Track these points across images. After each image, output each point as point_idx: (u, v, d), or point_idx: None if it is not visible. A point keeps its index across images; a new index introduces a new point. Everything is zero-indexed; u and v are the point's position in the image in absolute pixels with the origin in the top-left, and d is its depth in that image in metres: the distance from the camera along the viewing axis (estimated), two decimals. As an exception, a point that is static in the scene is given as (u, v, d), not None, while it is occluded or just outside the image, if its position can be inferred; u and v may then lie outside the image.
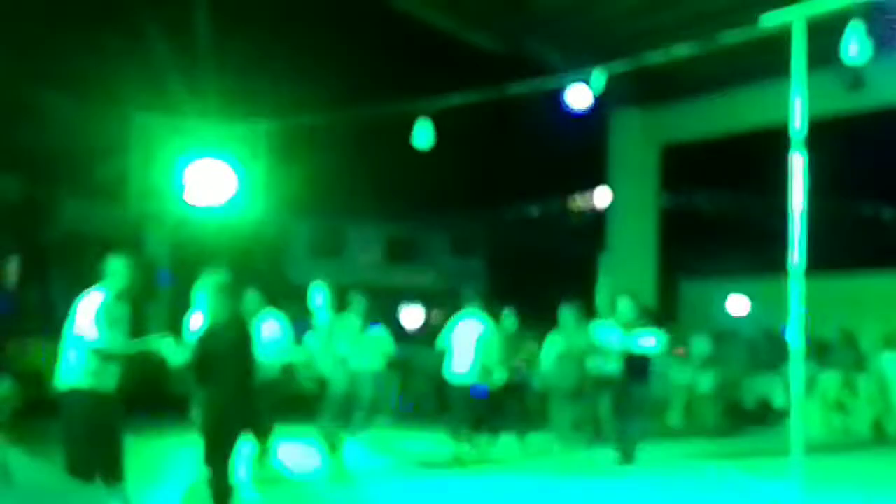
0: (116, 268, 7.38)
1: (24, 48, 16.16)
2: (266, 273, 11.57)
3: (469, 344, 12.61)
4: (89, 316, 7.13)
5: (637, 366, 12.38)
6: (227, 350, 7.43)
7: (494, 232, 31.51)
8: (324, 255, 29.17)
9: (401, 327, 25.07)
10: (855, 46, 9.05)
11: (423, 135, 12.67)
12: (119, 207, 17.24)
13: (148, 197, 16.50)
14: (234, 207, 16.43)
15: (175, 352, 7.32)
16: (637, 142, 20.35)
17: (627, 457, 12.28)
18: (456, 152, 20.18)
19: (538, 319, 18.60)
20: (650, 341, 12.30)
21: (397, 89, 15.98)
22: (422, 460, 12.69)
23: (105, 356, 7.15)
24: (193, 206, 16.21)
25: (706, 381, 17.22)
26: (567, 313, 12.16)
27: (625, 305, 12.59)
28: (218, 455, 7.49)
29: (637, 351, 12.29)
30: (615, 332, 12.39)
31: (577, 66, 12.98)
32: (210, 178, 16.11)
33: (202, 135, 16.22)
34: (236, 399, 7.50)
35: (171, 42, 16.60)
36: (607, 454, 12.38)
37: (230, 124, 16.40)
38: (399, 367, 17.00)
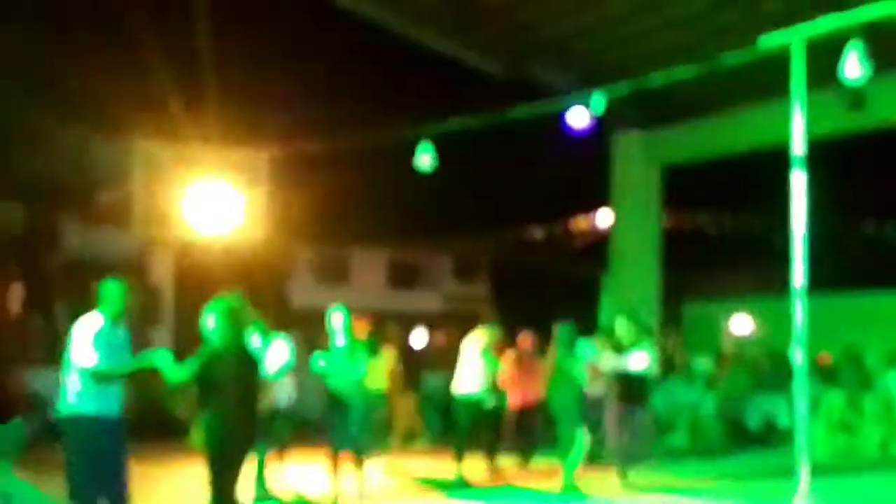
0: (112, 292, 7.42)
1: (27, 76, 16.26)
2: (270, 298, 11.59)
3: (474, 362, 12.72)
4: (86, 341, 7.18)
5: (633, 385, 12.42)
6: (230, 374, 7.51)
7: (498, 255, 31.59)
8: (328, 281, 29.24)
9: (407, 350, 25.09)
10: (854, 66, 9.11)
11: (425, 158, 12.76)
12: (123, 233, 17.35)
13: (152, 223, 16.58)
14: (237, 233, 16.52)
15: (173, 368, 7.37)
16: (638, 163, 20.43)
17: (624, 476, 12.30)
18: (459, 176, 20.25)
19: (543, 341, 18.68)
20: (641, 360, 12.33)
21: (400, 113, 16.08)
22: (429, 481, 12.73)
23: (103, 379, 7.17)
24: (197, 232, 16.30)
25: (710, 401, 17.23)
26: (561, 332, 12.14)
27: (622, 326, 12.64)
28: (221, 479, 7.53)
29: (630, 371, 12.34)
30: (598, 352, 12.51)
31: (579, 89, 13.09)
32: (213, 204, 16.20)
33: (205, 162, 16.32)
34: (239, 423, 7.56)
35: (175, 70, 16.70)
36: (608, 474, 12.41)
37: (233, 151, 16.50)
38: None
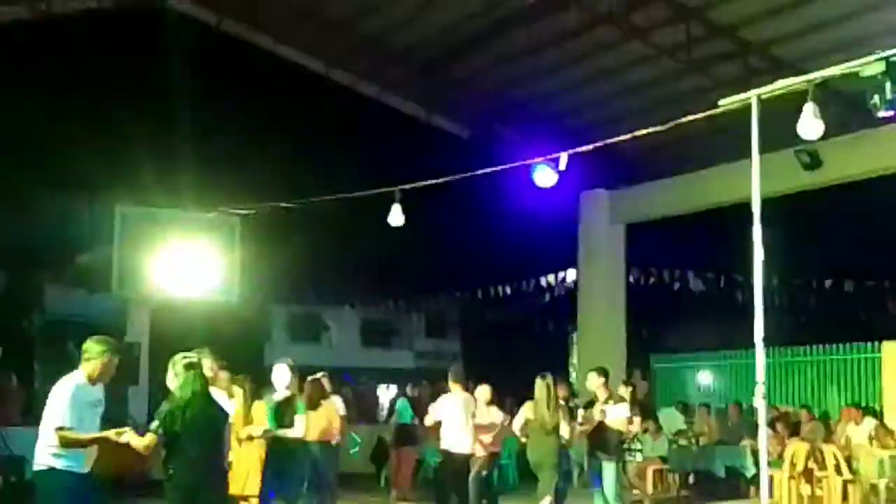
0: (91, 351, 7.39)
1: (7, 143, 16.52)
2: (245, 357, 11.81)
3: (459, 417, 12.97)
4: (59, 399, 7.17)
5: (604, 438, 12.67)
6: (193, 428, 7.48)
7: (469, 313, 31.82)
8: (302, 340, 29.46)
9: (378, 407, 25.35)
10: (809, 125, 9.53)
11: (398, 215, 13.19)
12: (101, 294, 17.60)
13: (129, 284, 16.87)
14: (213, 293, 16.79)
15: (139, 439, 7.27)
16: (604, 221, 20.81)
17: None
18: (429, 235, 20.60)
19: (514, 397, 18.95)
20: (619, 413, 12.57)
21: (371, 175, 16.44)
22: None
23: (66, 441, 7.11)
24: (174, 293, 16.57)
25: (677, 452, 17.50)
26: (539, 385, 12.33)
27: (592, 381, 12.92)
28: None
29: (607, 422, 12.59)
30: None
31: (546, 150, 13.51)
32: (189, 265, 16.50)
33: (181, 224, 16.64)
34: (204, 477, 7.54)
35: (150, 136, 16.99)
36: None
37: (207, 213, 16.83)
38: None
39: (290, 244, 19.17)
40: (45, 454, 7.19)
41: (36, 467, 7.26)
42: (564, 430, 11.92)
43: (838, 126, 13.11)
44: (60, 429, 7.08)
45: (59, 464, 7.17)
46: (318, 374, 12.91)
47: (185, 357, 7.83)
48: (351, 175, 17.41)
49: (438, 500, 13.36)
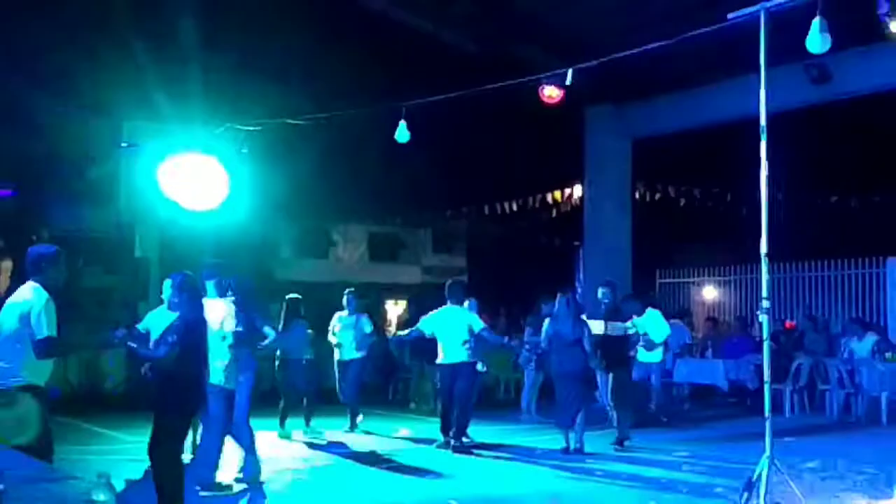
0: (44, 258, 7.09)
1: (13, 54, 16.46)
2: (253, 272, 11.84)
3: (456, 330, 13.12)
4: (36, 311, 6.79)
5: (615, 352, 12.91)
6: (201, 340, 7.92)
7: (475, 229, 31.80)
8: (309, 255, 29.53)
9: (386, 320, 25.60)
10: (818, 39, 9.49)
11: (404, 131, 13.24)
12: (109, 211, 17.64)
13: (136, 200, 16.93)
14: (220, 209, 16.83)
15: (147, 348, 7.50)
16: (610, 136, 20.73)
17: (621, 441, 12.79)
18: (436, 151, 20.58)
19: (518, 311, 19.10)
20: (619, 326, 12.88)
21: (379, 90, 16.38)
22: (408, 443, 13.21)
23: (54, 352, 6.95)
24: (181, 208, 16.62)
25: (683, 367, 17.68)
26: (561, 301, 12.54)
27: (603, 295, 13.19)
28: (175, 439, 7.87)
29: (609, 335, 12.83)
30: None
31: (552, 64, 13.44)
32: (197, 180, 16.51)
33: (188, 139, 16.61)
34: (191, 389, 7.84)
35: (157, 48, 16.92)
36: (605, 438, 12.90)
37: (215, 128, 16.79)
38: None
39: (298, 160, 19.18)
40: (21, 370, 6.82)
41: (12, 382, 6.80)
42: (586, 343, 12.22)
43: (848, 40, 13.00)
44: (48, 339, 6.76)
45: (37, 379, 6.90)
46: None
47: (182, 274, 8.08)
48: (359, 91, 17.37)
49: (441, 411, 13.61)
